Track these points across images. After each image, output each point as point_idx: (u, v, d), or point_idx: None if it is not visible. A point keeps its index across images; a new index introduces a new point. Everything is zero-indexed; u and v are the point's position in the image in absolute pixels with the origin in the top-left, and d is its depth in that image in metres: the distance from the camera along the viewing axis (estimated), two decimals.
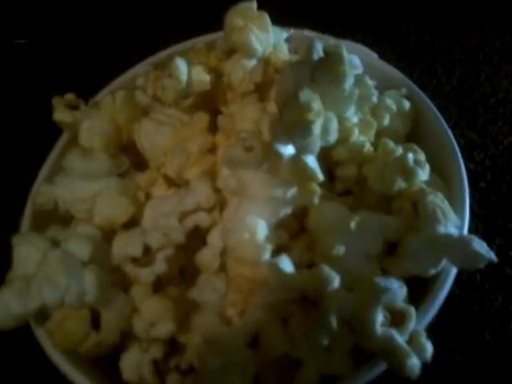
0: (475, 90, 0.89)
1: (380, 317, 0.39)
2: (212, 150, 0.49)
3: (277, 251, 0.43)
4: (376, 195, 0.48)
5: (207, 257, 0.44)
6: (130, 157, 0.51)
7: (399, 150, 0.45)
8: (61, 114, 0.49)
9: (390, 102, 0.51)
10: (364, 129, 0.48)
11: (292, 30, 0.56)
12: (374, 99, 0.49)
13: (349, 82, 0.43)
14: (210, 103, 0.53)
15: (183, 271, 0.48)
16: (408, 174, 0.44)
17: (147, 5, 1.06)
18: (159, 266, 0.44)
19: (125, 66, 0.62)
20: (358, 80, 0.49)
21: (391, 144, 0.46)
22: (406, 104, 0.53)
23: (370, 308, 0.38)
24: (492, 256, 0.41)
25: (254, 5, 0.50)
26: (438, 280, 0.44)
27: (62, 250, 0.41)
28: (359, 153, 0.47)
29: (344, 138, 0.47)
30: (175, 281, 0.47)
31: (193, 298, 0.42)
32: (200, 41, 0.59)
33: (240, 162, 0.41)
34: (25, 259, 0.42)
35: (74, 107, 0.50)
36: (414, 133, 0.55)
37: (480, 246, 0.41)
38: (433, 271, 0.43)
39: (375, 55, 0.58)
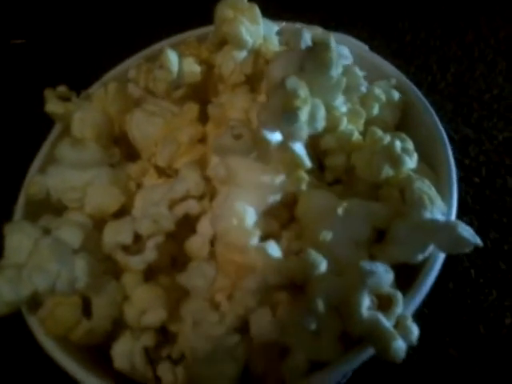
0: (470, 86, 0.89)
1: (366, 300, 0.39)
2: (202, 140, 0.49)
3: (266, 239, 0.43)
4: (365, 184, 0.48)
5: (197, 244, 0.44)
6: (121, 148, 0.52)
7: (387, 138, 0.46)
8: (53, 106, 0.49)
9: (378, 91, 0.52)
10: (353, 118, 0.49)
11: (283, 23, 0.57)
12: (363, 89, 0.50)
13: (336, 71, 0.43)
14: (201, 95, 0.53)
15: (174, 261, 0.49)
16: (395, 161, 0.44)
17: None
18: (149, 253, 0.44)
19: (118, 62, 0.63)
20: (347, 70, 0.49)
21: (379, 132, 0.46)
22: (396, 94, 0.54)
23: (356, 291, 0.39)
24: (477, 240, 0.41)
25: None
26: (426, 266, 0.44)
27: (53, 237, 0.42)
28: (348, 141, 0.48)
29: (333, 126, 0.47)
30: (166, 270, 0.48)
31: (182, 283, 0.42)
32: (192, 34, 0.60)
33: (229, 150, 0.42)
34: (17, 247, 0.43)
35: (66, 99, 0.51)
36: (403, 123, 0.55)
37: (466, 230, 0.41)
38: (420, 257, 0.43)
39: (366, 47, 0.59)
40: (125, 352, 0.45)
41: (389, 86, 0.54)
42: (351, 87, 0.49)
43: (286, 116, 0.40)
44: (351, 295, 0.39)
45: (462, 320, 0.64)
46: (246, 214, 0.42)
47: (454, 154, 0.77)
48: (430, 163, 0.51)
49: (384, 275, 0.39)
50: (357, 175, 0.47)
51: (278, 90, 0.40)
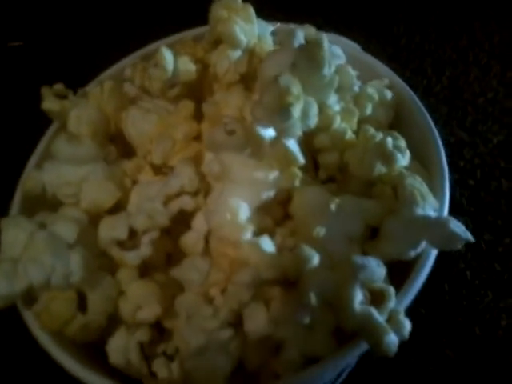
0: (465, 89, 0.90)
1: (359, 295, 0.39)
2: (197, 137, 0.50)
3: (260, 235, 0.43)
4: (358, 182, 0.49)
5: (191, 240, 0.45)
6: (118, 146, 0.52)
7: (379, 136, 0.46)
8: (49, 103, 0.50)
9: (371, 91, 0.52)
10: (346, 117, 0.49)
11: (278, 24, 0.58)
12: (356, 88, 0.51)
13: (329, 69, 0.44)
14: (196, 93, 0.54)
15: (169, 258, 0.49)
16: (387, 158, 0.45)
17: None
18: (144, 249, 0.44)
19: (115, 62, 0.63)
20: (340, 69, 0.50)
21: (371, 130, 0.47)
22: (388, 94, 0.54)
23: (349, 285, 0.39)
24: (468, 236, 0.42)
25: None
26: (418, 262, 0.44)
27: (48, 231, 0.42)
28: (341, 140, 0.48)
29: (326, 125, 0.48)
30: (162, 267, 0.48)
31: (176, 276, 0.43)
32: (188, 34, 0.60)
33: (222, 146, 0.42)
34: (13, 242, 0.43)
35: (62, 97, 0.51)
36: (396, 123, 0.56)
37: (457, 226, 0.42)
38: (412, 253, 0.44)
39: (358, 47, 0.59)
40: (120, 347, 0.45)
41: (381, 86, 0.55)
42: (344, 86, 0.50)
43: (279, 113, 0.41)
44: (343, 289, 0.39)
45: (457, 321, 0.64)
46: (239, 209, 0.42)
47: (448, 156, 0.78)
48: (422, 162, 0.51)
49: (376, 269, 0.40)
50: (350, 173, 0.48)
51: (271, 87, 0.41)
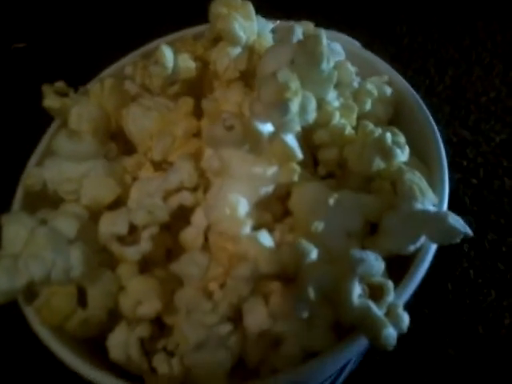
0: (467, 89, 0.91)
1: (357, 288, 0.39)
2: (197, 134, 0.50)
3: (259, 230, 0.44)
4: (358, 178, 0.49)
5: (191, 235, 0.45)
6: (118, 144, 0.53)
7: (378, 131, 0.46)
8: (50, 101, 0.50)
9: (370, 86, 0.52)
10: (345, 113, 0.49)
11: (278, 22, 0.58)
12: (355, 84, 0.51)
13: (327, 65, 0.44)
14: (196, 91, 0.54)
15: (170, 254, 0.49)
16: (386, 153, 0.45)
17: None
18: (144, 244, 0.44)
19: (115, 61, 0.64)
20: (340, 66, 0.50)
21: (370, 125, 0.47)
22: (388, 90, 0.54)
23: (347, 279, 0.39)
24: (468, 230, 0.42)
25: None
26: (417, 257, 0.44)
27: (49, 227, 0.42)
28: (340, 135, 0.48)
29: (325, 121, 0.48)
30: (162, 263, 0.48)
31: (175, 271, 0.43)
32: (188, 32, 0.61)
33: (221, 141, 0.42)
34: (14, 238, 0.43)
35: (63, 95, 0.52)
36: (396, 119, 0.56)
37: (456, 220, 0.42)
38: (412, 248, 0.44)
39: (358, 44, 0.60)
40: (120, 343, 0.45)
41: (381, 82, 0.55)
42: (343, 82, 0.50)
43: (277, 107, 0.41)
44: (342, 283, 0.39)
45: (461, 320, 0.64)
46: (238, 204, 0.42)
47: (451, 155, 0.78)
48: (422, 158, 0.51)
49: (374, 263, 0.40)
50: (349, 169, 0.48)
51: (269, 82, 0.41)
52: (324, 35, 0.44)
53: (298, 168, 0.43)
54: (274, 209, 0.48)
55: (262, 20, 0.55)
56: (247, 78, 0.53)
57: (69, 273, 0.42)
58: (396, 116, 0.56)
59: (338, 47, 0.53)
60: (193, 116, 0.50)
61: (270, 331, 0.42)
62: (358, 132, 0.49)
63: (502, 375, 0.61)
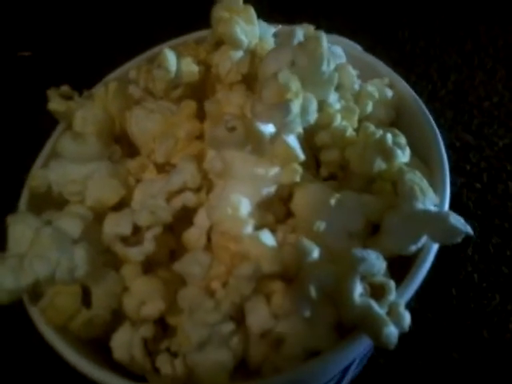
0: (470, 93, 0.91)
1: (358, 287, 0.40)
2: (200, 136, 0.50)
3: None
4: (360, 179, 0.49)
5: (194, 236, 0.45)
6: (122, 147, 0.53)
7: (379, 132, 0.47)
8: (55, 104, 0.51)
9: (372, 89, 0.53)
10: (347, 115, 0.50)
11: (279, 26, 0.58)
12: (356, 87, 0.51)
13: (328, 66, 0.45)
14: (199, 94, 0.55)
15: (173, 255, 0.50)
16: (387, 154, 0.45)
17: (141, 5, 1.10)
18: (148, 245, 0.45)
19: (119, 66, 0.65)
20: (341, 68, 0.51)
21: (372, 127, 0.47)
22: (389, 92, 0.55)
23: (348, 278, 0.39)
24: (468, 229, 0.42)
25: None
26: (419, 257, 0.45)
27: (54, 227, 0.43)
28: (342, 137, 0.49)
29: (327, 123, 0.49)
30: (165, 264, 0.49)
31: (177, 270, 0.43)
32: (191, 37, 0.61)
33: (223, 142, 0.43)
34: (19, 238, 0.44)
35: (68, 98, 0.52)
36: (397, 122, 0.56)
37: (457, 220, 0.42)
38: (413, 248, 0.44)
39: (359, 47, 0.60)
40: (124, 343, 0.45)
41: (382, 85, 0.55)
42: (345, 85, 0.51)
43: (278, 108, 0.41)
44: (343, 282, 0.40)
45: (465, 324, 0.64)
46: (240, 204, 0.43)
47: (455, 160, 0.79)
48: (423, 159, 0.51)
49: (376, 262, 0.40)
50: (351, 170, 0.48)
51: (270, 83, 0.42)
52: (324, 37, 0.45)
53: (299, 169, 0.44)
54: (277, 210, 0.48)
55: (264, 24, 0.55)
56: (249, 81, 0.53)
57: (73, 272, 0.42)
58: (397, 118, 0.56)
59: (339, 50, 0.53)
60: (195, 118, 0.50)
61: (272, 331, 0.43)
62: (359, 134, 0.49)
63: (507, 380, 0.60)
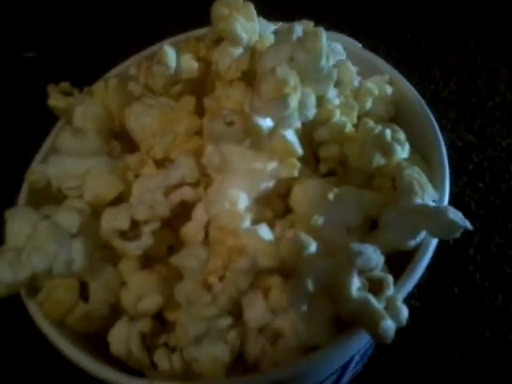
0: (473, 94, 0.91)
1: (356, 281, 0.40)
2: (199, 132, 0.50)
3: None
4: (359, 175, 0.49)
5: (192, 230, 0.45)
6: (122, 144, 0.53)
7: (378, 128, 0.47)
8: (55, 100, 0.51)
9: (371, 85, 0.53)
10: (346, 110, 0.50)
11: (280, 23, 0.59)
12: (356, 83, 0.51)
13: (327, 61, 0.45)
14: (199, 91, 0.55)
15: (171, 251, 0.50)
16: (386, 149, 0.45)
17: (142, 3, 1.11)
18: (146, 239, 0.45)
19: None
20: (340, 65, 0.51)
21: (371, 122, 0.47)
22: (389, 89, 0.55)
23: (346, 271, 0.39)
24: (467, 224, 0.42)
25: None
26: (418, 252, 0.44)
27: (51, 220, 0.43)
28: (341, 133, 0.49)
29: (326, 119, 0.49)
30: (163, 259, 0.49)
31: (175, 264, 0.43)
32: (191, 35, 0.62)
33: (221, 137, 0.43)
34: (17, 232, 0.44)
35: (68, 94, 0.53)
36: (397, 118, 0.56)
37: (455, 215, 0.42)
38: (412, 243, 0.44)
39: (359, 44, 0.60)
40: (121, 338, 0.45)
41: (382, 81, 0.55)
42: (344, 81, 0.51)
43: (276, 103, 0.41)
44: (341, 276, 0.40)
45: (467, 324, 0.64)
46: (238, 198, 0.43)
47: (457, 160, 0.78)
48: (423, 155, 0.51)
49: (373, 255, 0.40)
50: (350, 166, 0.48)
51: (268, 78, 0.42)
52: (323, 33, 0.45)
53: (298, 163, 0.44)
54: (275, 206, 0.48)
55: (264, 21, 0.56)
56: (249, 78, 0.53)
57: (70, 266, 0.42)
58: (397, 115, 0.56)
59: (338, 47, 0.53)
60: (195, 114, 0.50)
61: (269, 325, 0.43)
62: (358, 129, 0.49)
63: (509, 380, 0.60)
